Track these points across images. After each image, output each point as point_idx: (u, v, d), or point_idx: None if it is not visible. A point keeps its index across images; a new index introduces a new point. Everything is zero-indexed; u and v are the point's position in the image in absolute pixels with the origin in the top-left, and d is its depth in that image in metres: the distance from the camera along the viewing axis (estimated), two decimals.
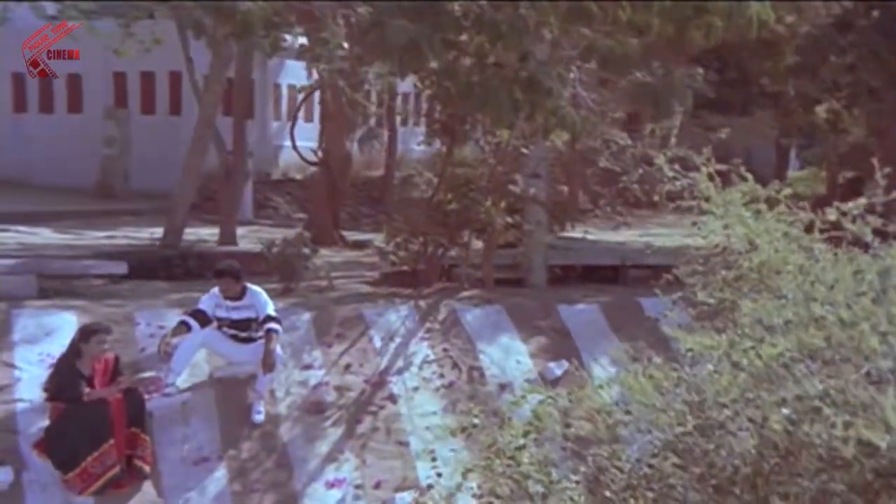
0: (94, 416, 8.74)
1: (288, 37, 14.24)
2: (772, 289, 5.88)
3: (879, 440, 4.00)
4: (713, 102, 17.98)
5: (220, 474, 9.23)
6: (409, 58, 8.89)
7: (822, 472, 4.33)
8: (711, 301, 6.65)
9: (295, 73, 21.43)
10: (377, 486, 9.38)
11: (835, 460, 4.40)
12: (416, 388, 10.57)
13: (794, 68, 17.97)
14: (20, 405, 9.36)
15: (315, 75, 17.13)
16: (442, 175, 13.78)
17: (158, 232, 15.01)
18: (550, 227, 13.77)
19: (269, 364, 9.61)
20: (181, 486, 9.03)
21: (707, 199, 6.81)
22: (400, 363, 10.88)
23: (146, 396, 9.24)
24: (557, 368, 10.94)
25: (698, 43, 11.78)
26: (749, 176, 6.84)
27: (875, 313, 4.45)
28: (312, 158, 19.26)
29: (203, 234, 16.16)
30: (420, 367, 10.87)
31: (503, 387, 10.72)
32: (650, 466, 5.19)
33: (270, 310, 9.83)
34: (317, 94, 20.48)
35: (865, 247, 5.51)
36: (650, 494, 4.99)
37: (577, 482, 5.25)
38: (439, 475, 9.31)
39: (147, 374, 9.58)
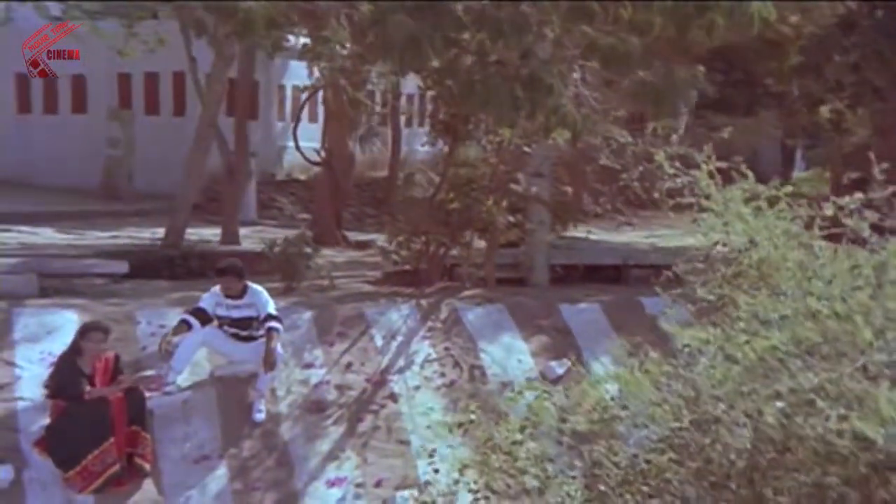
0: (94, 415, 8.74)
1: (292, 38, 14.27)
2: (771, 285, 5.87)
3: (874, 433, 3.98)
4: (718, 103, 17.97)
5: (221, 473, 9.22)
6: (409, 55, 8.89)
7: (817, 466, 4.32)
8: (711, 298, 6.64)
9: (299, 75, 21.42)
10: (378, 484, 9.37)
11: (831, 455, 4.39)
12: (417, 387, 10.56)
13: (798, 68, 17.96)
14: (21, 403, 9.37)
15: (316, 74, 17.12)
16: (444, 174, 13.78)
17: (161, 232, 15.01)
18: (553, 226, 13.75)
19: (270, 363, 9.62)
20: (182, 485, 9.02)
21: (707, 197, 6.81)
22: (401, 362, 10.87)
23: (147, 395, 9.25)
24: (559, 367, 10.93)
25: (700, 42, 11.79)
26: (749, 173, 6.83)
27: (869, 306, 4.44)
28: (316, 159, 19.27)
29: (206, 234, 16.17)
30: (421, 366, 10.86)
31: (504, 386, 10.70)
32: (647, 462, 5.19)
33: (271, 308, 9.83)
34: (321, 95, 20.47)
35: (864, 243, 5.51)
36: (646, 489, 4.99)
37: (574, 477, 5.25)
38: (436, 471, 9.33)
39: (148, 373, 9.60)
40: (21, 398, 9.41)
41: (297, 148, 19.99)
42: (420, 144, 23.05)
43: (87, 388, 8.84)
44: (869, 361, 4.42)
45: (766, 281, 6.22)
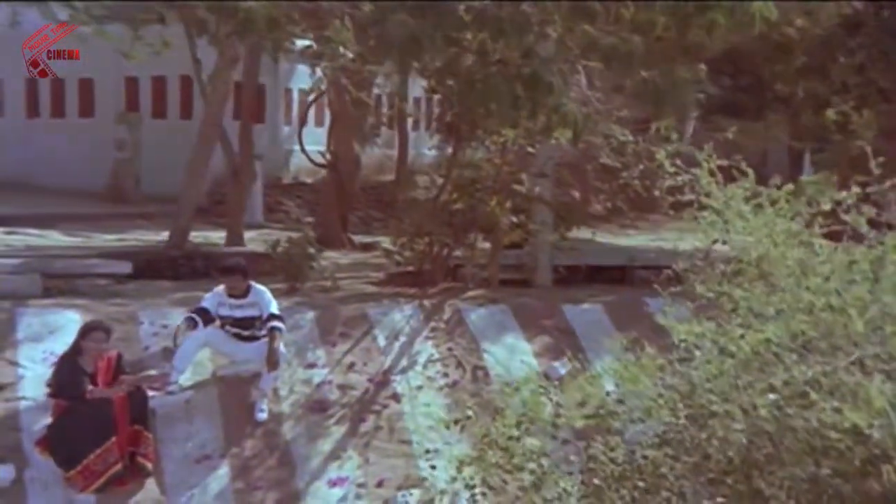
0: (96, 414, 8.76)
1: (297, 41, 14.27)
2: (770, 283, 5.86)
3: (866, 426, 3.97)
4: (726, 107, 17.93)
5: (223, 472, 9.24)
6: (409, 54, 8.90)
7: (812, 460, 4.31)
8: (710, 295, 6.62)
9: (306, 78, 21.44)
10: (380, 484, 9.37)
11: (826, 449, 4.37)
12: (419, 387, 10.55)
13: (804, 70, 17.89)
14: (24, 403, 9.41)
15: (318, 74, 17.12)
16: (448, 175, 13.78)
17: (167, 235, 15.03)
18: (557, 227, 13.73)
19: (273, 362, 9.64)
20: (184, 484, 9.05)
21: (708, 195, 6.79)
22: (404, 362, 10.86)
23: (149, 394, 9.26)
24: (562, 368, 10.89)
25: (706, 44, 11.77)
26: (750, 171, 6.81)
27: (865, 300, 4.42)
28: (322, 162, 19.27)
29: (213, 237, 16.18)
30: (424, 367, 10.85)
31: (507, 386, 10.67)
32: (644, 457, 5.18)
33: (274, 308, 9.85)
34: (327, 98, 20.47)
35: (862, 239, 5.48)
36: (642, 485, 4.97)
37: (570, 473, 5.24)
38: (433, 467, 9.33)
39: (150, 373, 9.61)
40: (24, 398, 9.45)
41: (303, 150, 20.00)
42: (427, 148, 23.08)
43: (90, 387, 8.86)
44: (864, 355, 4.41)
45: (766, 279, 6.20)
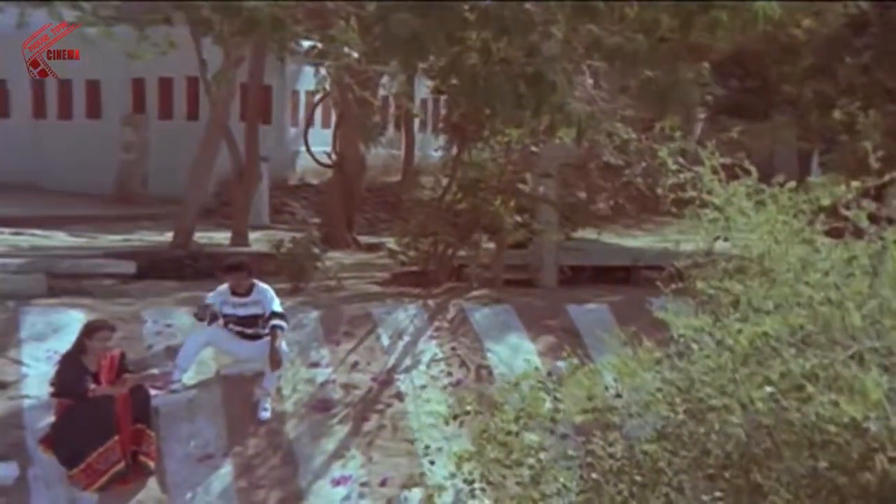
0: (99, 412, 8.77)
1: (304, 42, 14.27)
2: (771, 279, 5.84)
3: (863, 418, 3.95)
4: (734, 108, 17.90)
5: (226, 471, 9.25)
6: (412, 52, 8.90)
7: (809, 454, 4.29)
8: (711, 291, 6.60)
9: (313, 80, 21.45)
10: (383, 483, 9.37)
11: (825, 444, 4.36)
12: (423, 387, 10.55)
13: (810, 70, 17.87)
14: (27, 401, 9.44)
15: (322, 72, 17.11)
16: (452, 175, 13.78)
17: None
18: (562, 227, 13.71)
19: (275, 361, 9.65)
20: (186, 483, 9.06)
21: (710, 192, 6.77)
22: (408, 361, 10.86)
23: (152, 393, 9.27)
24: (565, 367, 10.86)
25: (710, 43, 11.75)
26: (753, 169, 6.79)
27: (863, 294, 4.41)
28: (328, 162, 19.28)
29: (218, 238, 16.20)
30: (428, 366, 10.85)
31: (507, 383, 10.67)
32: (643, 452, 5.17)
33: (276, 306, 9.87)
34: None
35: (863, 234, 5.47)
36: (640, 479, 4.96)
37: (569, 468, 5.23)
38: (432, 462, 9.32)
39: (153, 371, 9.62)
40: (27, 396, 9.48)
41: (308, 151, 20.00)
42: (434, 149, 23.06)
43: (92, 385, 8.87)
44: (862, 349, 4.39)
45: (767, 275, 6.19)
